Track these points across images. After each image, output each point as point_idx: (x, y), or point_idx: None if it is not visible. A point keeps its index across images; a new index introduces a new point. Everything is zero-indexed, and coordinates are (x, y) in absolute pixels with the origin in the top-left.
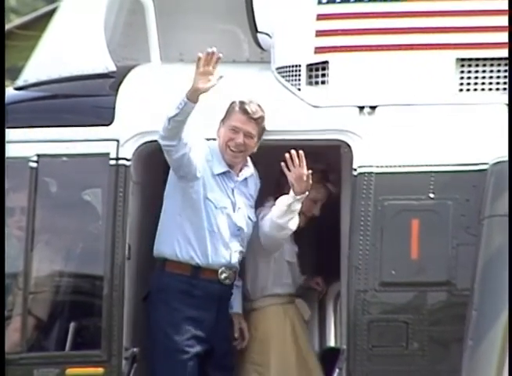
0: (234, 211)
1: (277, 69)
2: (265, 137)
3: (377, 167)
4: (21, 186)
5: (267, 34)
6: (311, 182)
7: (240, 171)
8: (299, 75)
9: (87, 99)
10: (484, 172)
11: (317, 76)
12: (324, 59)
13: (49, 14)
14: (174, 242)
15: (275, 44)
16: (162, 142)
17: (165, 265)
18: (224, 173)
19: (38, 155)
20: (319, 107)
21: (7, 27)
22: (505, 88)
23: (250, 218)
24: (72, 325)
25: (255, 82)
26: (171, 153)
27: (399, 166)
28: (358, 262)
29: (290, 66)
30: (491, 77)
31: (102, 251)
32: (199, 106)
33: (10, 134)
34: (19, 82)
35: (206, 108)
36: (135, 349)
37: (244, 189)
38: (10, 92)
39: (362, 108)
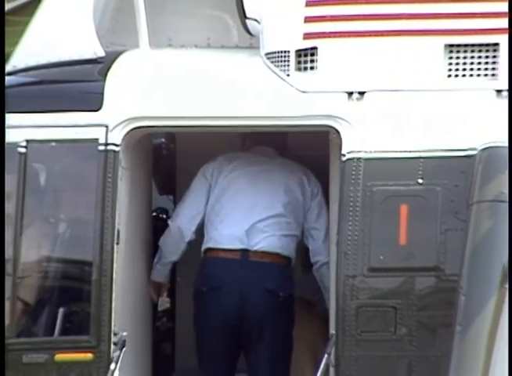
0: None
1: (266, 54)
2: (253, 123)
3: (366, 152)
4: (10, 172)
5: (256, 20)
6: None
7: None
8: (288, 61)
9: (76, 85)
10: (472, 158)
11: (306, 62)
12: (313, 45)
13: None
14: None
15: (264, 30)
16: None
17: None
18: None
19: (27, 140)
20: (308, 93)
21: None
22: (493, 74)
23: None
24: (61, 310)
25: (244, 67)
26: None
27: (388, 152)
28: (346, 247)
29: (278, 52)
30: (479, 63)
31: (91, 237)
32: (192, 91)
33: None
34: (8, 68)
35: (197, 92)
36: (124, 334)
37: None
38: None
39: (350, 94)
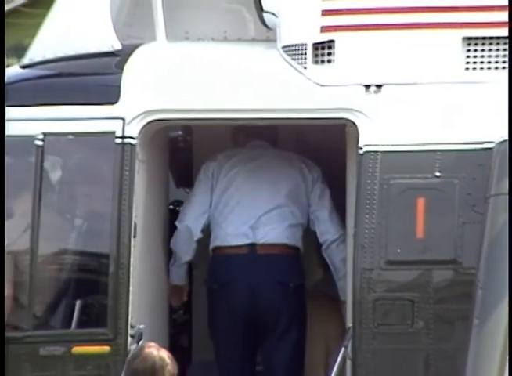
0: None
1: (283, 48)
2: (271, 116)
3: (383, 145)
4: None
5: (272, 14)
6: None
7: None
8: (305, 54)
9: (93, 78)
10: (490, 151)
11: (323, 55)
12: (330, 38)
13: None
14: None
15: (281, 23)
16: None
17: None
18: None
19: (44, 133)
20: (325, 86)
21: (13, 5)
22: None
23: None
24: (78, 303)
25: (261, 61)
26: None
27: (405, 145)
28: (364, 240)
29: (296, 45)
30: (497, 56)
31: (108, 230)
32: (209, 84)
33: (17, 112)
34: (25, 60)
35: (214, 86)
36: (141, 327)
37: None
38: (16, 70)
39: (368, 87)
